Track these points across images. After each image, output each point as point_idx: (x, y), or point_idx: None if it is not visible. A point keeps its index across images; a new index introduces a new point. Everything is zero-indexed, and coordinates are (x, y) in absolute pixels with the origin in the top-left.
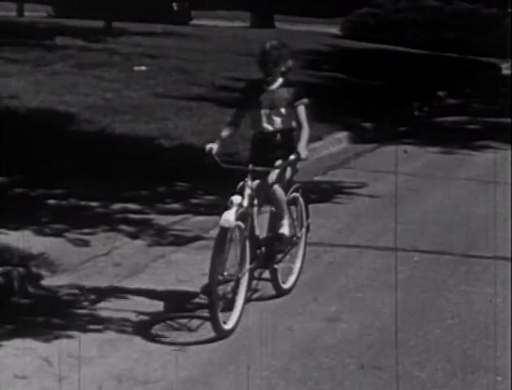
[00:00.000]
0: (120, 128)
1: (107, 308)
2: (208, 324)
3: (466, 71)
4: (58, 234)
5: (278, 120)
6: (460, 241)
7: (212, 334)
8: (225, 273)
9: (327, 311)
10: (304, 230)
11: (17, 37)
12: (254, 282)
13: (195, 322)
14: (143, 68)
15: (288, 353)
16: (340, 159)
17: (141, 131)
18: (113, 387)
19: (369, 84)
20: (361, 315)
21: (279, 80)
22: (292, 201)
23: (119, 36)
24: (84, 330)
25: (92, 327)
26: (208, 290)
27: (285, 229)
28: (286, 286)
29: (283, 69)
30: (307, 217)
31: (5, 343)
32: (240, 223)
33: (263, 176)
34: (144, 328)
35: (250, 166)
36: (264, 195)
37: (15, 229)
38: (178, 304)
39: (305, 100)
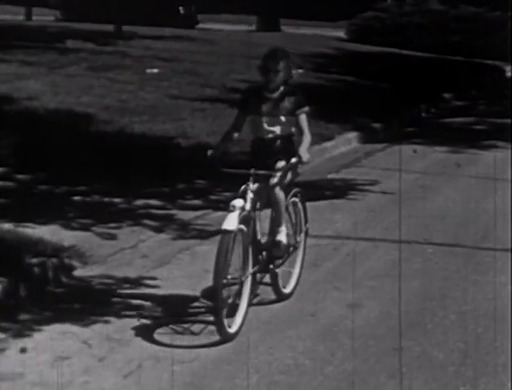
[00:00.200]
0: (138, 128)
1: (139, 296)
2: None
3: (470, 73)
4: (85, 228)
5: (278, 127)
6: (471, 235)
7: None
8: (229, 276)
9: (347, 298)
10: (303, 235)
11: (29, 41)
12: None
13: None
14: (155, 71)
15: (313, 337)
16: (351, 158)
17: (158, 131)
18: (151, 366)
19: (376, 86)
20: (380, 302)
21: (281, 88)
22: (292, 206)
23: (129, 40)
24: (119, 316)
25: (126, 312)
26: (213, 294)
27: (282, 236)
28: (286, 290)
29: (284, 77)
30: (306, 221)
31: (45, 327)
32: (243, 227)
33: (264, 180)
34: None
35: (252, 170)
36: (265, 198)
37: (43, 224)
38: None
39: (307, 108)
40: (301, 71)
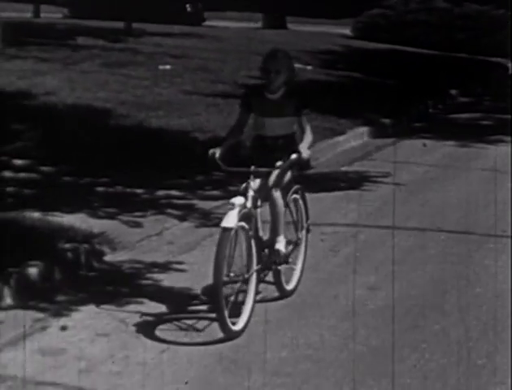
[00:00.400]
0: (155, 123)
1: (168, 279)
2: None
3: (475, 70)
4: (111, 217)
5: (279, 128)
6: (482, 223)
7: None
8: (231, 274)
9: (366, 281)
10: (304, 232)
11: (40, 38)
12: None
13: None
14: (168, 67)
15: (336, 316)
16: (363, 152)
17: (174, 125)
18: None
19: (384, 82)
20: (398, 285)
21: (282, 89)
22: (293, 203)
23: (139, 37)
24: (151, 297)
25: (157, 295)
26: (213, 291)
27: (281, 245)
28: (289, 287)
29: (286, 78)
30: (307, 218)
31: (82, 308)
32: (244, 224)
33: (265, 177)
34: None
35: (252, 168)
36: (264, 196)
37: (70, 213)
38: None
39: (308, 110)
40: (309, 67)
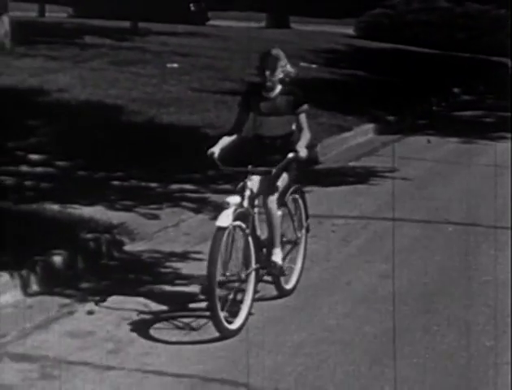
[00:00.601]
0: (167, 119)
1: (186, 268)
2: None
3: (476, 69)
4: (128, 209)
5: (277, 127)
6: (487, 215)
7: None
8: (227, 273)
9: (378, 269)
10: (304, 231)
11: (47, 36)
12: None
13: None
14: (175, 65)
15: (350, 301)
16: (369, 148)
17: (185, 121)
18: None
19: (387, 81)
20: (408, 273)
21: (278, 87)
22: (292, 202)
23: (145, 36)
24: (172, 284)
25: (178, 282)
26: (207, 290)
27: (278, 258)
28: (288, 286)
29: (281, 76)
30: (307, 218)
31: (106, 294)
32: (240, 223)
33: (263, 177)
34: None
35: (250, 167)
36: (264, 190)
37: (88, 205)
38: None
39: (306, 107)
40: (314, 66)
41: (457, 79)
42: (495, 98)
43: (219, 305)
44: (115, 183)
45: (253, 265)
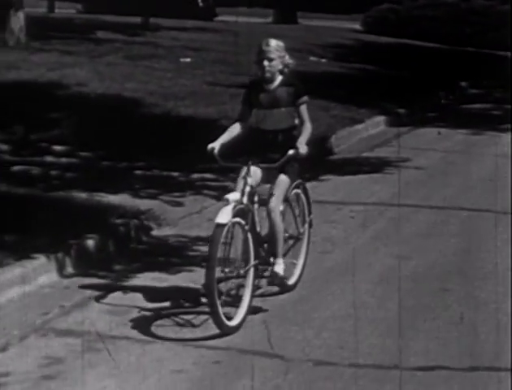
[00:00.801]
0: (184, 111)
1: None
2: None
3: (482, 63)
4: (152, 197)
5: (279, 121)
6: (498, 202)
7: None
8: (226, 269)
9: (396, 252)
10: (306, 226)
11: (59, 32)
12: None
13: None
14: (188, 60)
15: (371, 281)
16: (381, 139)
17: (202, 114)
18: None
19: (396, 74)
20: (425, 255)
21: (278, 79)
22: (295, 198)
23: (156, 31)
24: (201, 265)
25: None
26: (207, 287)
27: (279, 268)
28: (290, 282)
29: (280, 67)
30: (309, 213)
31: (139, 275)
32: (239, 220)
33: (264, 172)
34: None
35: (250, 163)
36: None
37: (113, 193)
38: None
39: (306, 98)
40: (324, 60)
41: (464, 72)
42: (502, 92)
43: (218, 302)
44: (138, 172)
45: (252, 261)
